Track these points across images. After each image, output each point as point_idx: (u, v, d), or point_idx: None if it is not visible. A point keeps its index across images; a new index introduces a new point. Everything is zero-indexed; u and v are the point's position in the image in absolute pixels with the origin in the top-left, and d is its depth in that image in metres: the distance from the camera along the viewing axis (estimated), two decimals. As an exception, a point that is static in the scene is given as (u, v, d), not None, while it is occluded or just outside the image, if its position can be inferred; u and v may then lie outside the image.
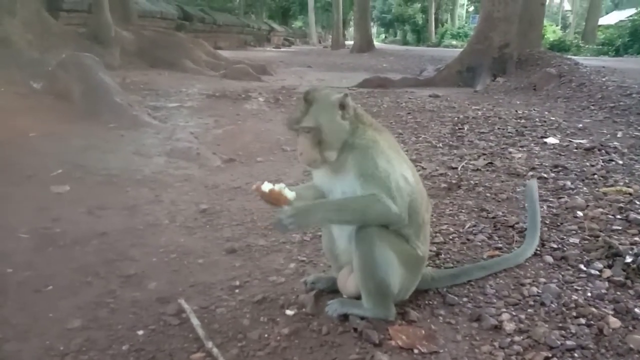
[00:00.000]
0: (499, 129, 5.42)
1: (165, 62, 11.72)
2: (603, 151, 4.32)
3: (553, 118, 5.89)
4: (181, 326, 1.88)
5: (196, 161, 4.33)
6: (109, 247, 2.59)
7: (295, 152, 4.61)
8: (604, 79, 8.19)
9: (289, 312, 1.93)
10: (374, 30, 40.82)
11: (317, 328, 1.82)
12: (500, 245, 2.53)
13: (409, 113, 6.74)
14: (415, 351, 1.69)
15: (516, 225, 2.75)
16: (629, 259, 2.28)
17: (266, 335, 1.79)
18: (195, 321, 1.84)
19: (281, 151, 4.78)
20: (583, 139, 4.83)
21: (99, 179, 3.68)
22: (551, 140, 4.77)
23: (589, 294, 2.04)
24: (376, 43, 30.13)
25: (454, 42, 33.18)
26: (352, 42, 28.07)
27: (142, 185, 3.63)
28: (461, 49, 13.31)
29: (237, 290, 2.14)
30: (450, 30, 38.47)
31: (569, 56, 12.70)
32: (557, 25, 34.02)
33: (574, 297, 2.01)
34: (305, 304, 1.96)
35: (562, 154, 4.33)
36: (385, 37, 44.01)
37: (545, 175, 3.63)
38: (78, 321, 1.93)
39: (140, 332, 1.85)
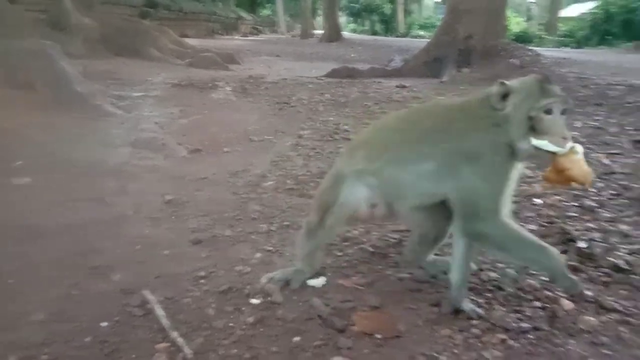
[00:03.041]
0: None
1: (129, 50, 11.44)
2: (561, 141, 4.47)
3: (515, 108, 6.04)
4: (146, 317, 1.87)
5: (161, 152, 4.28)
6: (74, 240, 2.55)
7: (264, 142, 4.64)
8: (564, 71, 8.45)
9: (254, 301, 1.95)
10: (343, 19, 40.75)
11: (282, 316, 1.85)
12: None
13: (376, 103, 6.79)
14: (378, 336, 1.73)
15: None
16: (582, 244, 2.39)
17: (231, 325, 1.81)
18: (159, 312, 1.85)
19: (248, 141, 4.75)
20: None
21: (62, 170, 3.60)
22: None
23: (545, 278, 2.13)
24: (345, 33, 30.14)
25: (422, 33, 33.47)
26: (321, 32, 27.99)
27: (106, 176, 3.57)
28: (428, 40, 13.46)
29: (202, 281, 2.14)
30: (417, 21, 38.79)
31: (532, 47, 13.03)
32: (521, 17, 34.70)
33: (531, 281, 2.10)
34: (271, 293, 1.98)
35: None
36: (355, 27, 44.02)
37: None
38: (41, 314, 1.90)
39: (105, 324, 1.83)
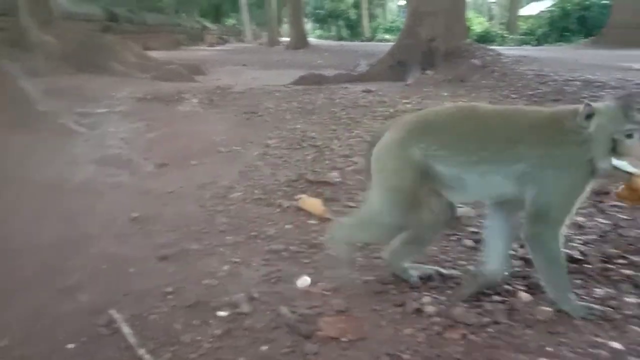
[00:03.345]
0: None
1: (92, 65, 11.27)
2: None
3: (477, 108, 6.19)
4: (113, 336, 1.87)
5: (127, 167, 4.25)
6: (40, 260, 2.52)
7: (231, 152, 4.64)
8: (523, 69, 8.69)
9: (221, 313, 1.97)
10: (309, 26, 41.01)
11: (249, 326, 1.87)
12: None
13: (342, 109, 6.86)
14: (344, 339, 1.77)
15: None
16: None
17: (199, 338, 1.82)
18: (126, 329, 1.85)
19: (216, 152, 4.75)
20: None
21: (25, 190, 3.55)
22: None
23: (504, 273, 2.21)
24: (312, 39, 30.33)
25: (387, 36, 33.91)
26: (287, 39, 28.09)
27: (72, 194, 3.53)
28: (393, 43, 13.67)
29: (170, 296, 2.15)
30: (382, 25, 39.30)
31: (494, 46, 13.36)
32: (483, 17, 35.50)
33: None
34: (239, 304, 2.01)
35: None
36: (321, 33, 44.32)
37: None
38: (5, 340, 1.88)
39: (71, 346, 1.83)
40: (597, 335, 1.76)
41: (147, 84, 10.07)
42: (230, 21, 45.27)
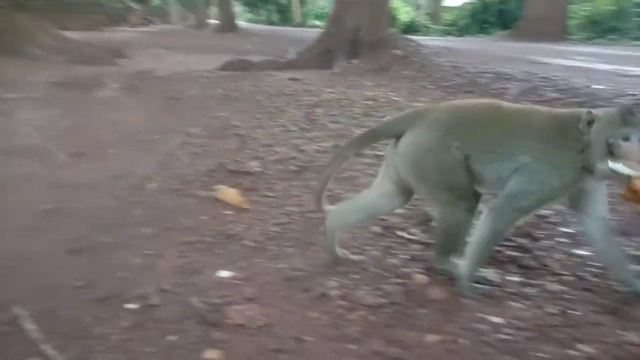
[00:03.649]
0: (348, 110, 5.81)
1: (3, 48, 10.50)
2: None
3: (396, 98, 6.45)
4: (18, 333, 1.85)
5: (40, 158, 4.07)
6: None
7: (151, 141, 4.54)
8: (442, 60, 9.07)
9: (132, 306, 1.99)
10: (238, 9, 40.14)
11: (159, 317, 1.92)
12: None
13: (268, 97, 6.88)
14: (252, 326, 1.86)
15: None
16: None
17: (108, 331, 1.84)
18: (29, 326, 1.83)
19: (134, 141, 4.65)
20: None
21: None
22: (392, 119, 5.25)
23: (405, 257, 2.39)
24: (241, 23, 29.78)
25: (318, 23, 33.94)
26: (215, 22, 27.41)
27: (-24, 188, 3.36)
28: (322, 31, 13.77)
29: (80, 291, 2.14)
30: (313, 11, 39.26)
31: (419, 37, 13.81)
32: (410, 7, 36.38)
33: (392, 261, 2.35)
34: (150, 296, 2.04)
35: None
36: (251, 17, 43.58)
37: (381, 153, 4.01)
38: None
39: (-28, 346, 1.79)
40: (481, 312, 1.96)
41: (63, 67, 9.54)
42: (156, 1, 43.42)
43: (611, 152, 1.84)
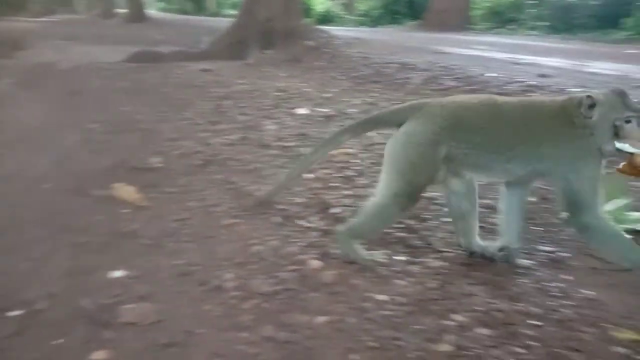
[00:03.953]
0: (258, 102, 5.82)
1: None
2: (340, 118, 5.02)
3: (307, 89, 6.54)
4: None
5: None
6: None
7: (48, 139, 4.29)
8: (352, 51, 9.29)
9: (15, 312, 1.91)
10: (150, -3, 38.50)
11: (45, 322, 1.86)
12: (237, 213, 2.84)
13: (176, 89, 6.72)
14: (144, 323, 1.86)
15: (256, 193, 3.09)
16: (336, 210, 2.81)
17: (-11, 340, 1.77)
18: None
19: (30, 140, 4.39)
20: (327, 107, 5.50)
21: None
22: (301, 110, 5.34)
23: (302, 244, 2.47)
24: (153, 12, 28.64)
25: (233, 12, 33.34)
26: (124, 11, 26.13)
27: None
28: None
29: (-41, 301, 2.02)
30: (228, 0, 38.48)
31: (332, 27, 13.99)
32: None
33: (290, 249, 2.42)
34: (35, 301, 1.97)
35: (308, 123, 4.89)
36: (164, 5, 41.94)
37: (288, 145, 4.10)
38: None
39: None
40: (368, 291, 2.09)
41: (-52, 61, 8.75)
42: (58, -12, 40.60)
43: (616, 134, 2.01)
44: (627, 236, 2.17)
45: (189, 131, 4.65)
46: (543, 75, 6.49)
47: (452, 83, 6.19)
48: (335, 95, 6.23)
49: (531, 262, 2.33)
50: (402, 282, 2.15)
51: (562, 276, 2.22)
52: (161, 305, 1.97)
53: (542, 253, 2.42)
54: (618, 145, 2.01)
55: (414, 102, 2.36)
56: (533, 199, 2.88)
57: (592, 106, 2.01)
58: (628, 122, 2.00)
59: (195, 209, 2.89)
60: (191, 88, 6.82)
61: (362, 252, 2.29)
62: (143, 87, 6.82)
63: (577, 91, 5.59)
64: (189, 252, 2.40)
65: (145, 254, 2.40)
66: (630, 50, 10.95)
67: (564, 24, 16.52)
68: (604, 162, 2.09)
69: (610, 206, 2.65)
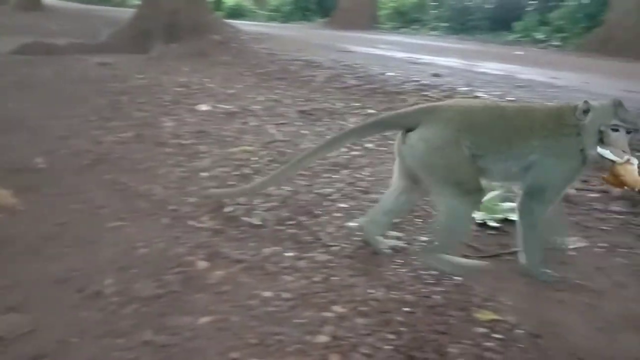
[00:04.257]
0: (157, 97, 5.64)
1: None
2: (242, 114, 5.00)
3: (210, 85, 6.44)
4: None
5: None
6: None
7: None
8: (259, 46, 9.27)
9: None
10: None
11: None
12: (124, 215, 2.74)
13: (69, 84, 6.33)
14: (10, 336, 1.75)
15: (146, 193, 3.01)
16: (228, 209, 2.81)
17: None
18: None
19: None
20: (230, 104, 5.46)
21: None
22: (202, 107, 5.25)
23: (191, 245, 2.44)
24: (51, 0, 26.60)
25: (138, 2, 31.86)
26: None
27: None
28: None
29: None
30: (133, -11, 36.71)
31: (243, 22, 13.83)
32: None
33: (178, 250, 2.38)
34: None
35: (209, 119, 4.82)
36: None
37: (185, 142, 4.02)
38: None
39: None
40: (254, 289, 2.12)
41: None
42: None
43: (601, 140, 2.08)
44: (540, 242, 2.33)
45: (80, 129, 4.40)
46: (436, 75, 6.87)
47: (354, 82, 6.38)
48: (240, 92, 6.19)
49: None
50: (289, 278, 2.20)
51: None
52: (33, 315, 1.87)
53: (422, 243, 2.58)
54: (600, 150, 2.08)
55: (423, 106, 2.39)
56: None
57: (586, 111, 2.13)
58: (615, 130, 2.08)
59: (79, 212, 2.76)
60: (86, 83, 6.46)
61: (457, 260, 2.31)
62: (32, 82, 6.35)
63: (465, 90, 6.06)
64: (68, 258, 2.29)
65: (19, 261, 2.25)
66: (518, 52, 11.90)
67: (462, 25, 17.58)
68: (584, 167, 2.21)
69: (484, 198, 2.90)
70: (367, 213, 2.60)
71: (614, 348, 1.85)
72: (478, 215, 2.75)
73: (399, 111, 2.43)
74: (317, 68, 7.28)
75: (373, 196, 3.11)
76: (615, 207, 3.02)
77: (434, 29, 18.44)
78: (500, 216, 2.83)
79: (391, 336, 1.83)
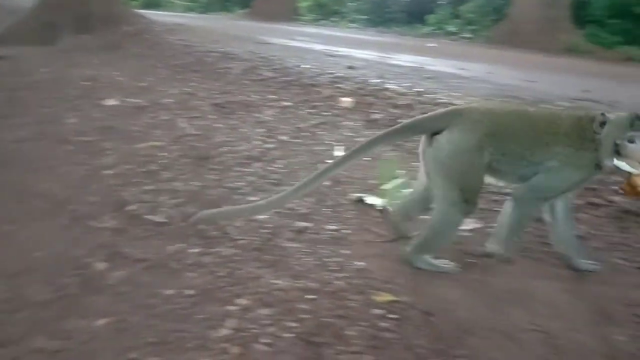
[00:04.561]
0: (62, 92, 5.34)
1: None
2: (153, 109, 4.85)
3: (120, 78, 6.18)
4: None
5: None
6: None
7: None
8: (174, 38, 9.00)
9: None
10: None
11: None
12: (20, 217, 2.60)
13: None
14: None
15: (45, 193, 2.86)
16: (132, 207, 2.74)
17: None
18: None
19: None
20: (140, 98, 5.26)
21: None
22: (110, 101, 5.03)
23: (91, 246, 2.36)
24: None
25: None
26: None
27: None
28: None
29: None
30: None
31: (159, 12, 13.34)
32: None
33: (77, 252, 2.30)
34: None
35: (116, 115, 4.63)
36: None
37: (89, 139, 3.85)
38: None
39: None
40: (156, 287, 2.08)
41: None
42: None
43: (617, 152, 2.12)
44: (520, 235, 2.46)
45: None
46: (351, 67, 7.02)
47: (270, 74, 6.37)
48: (152, 85, 5.98)
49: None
50: (193, 274, 2.19)
51: (342, 251, 2.45)
52: None
53: (328, 232, 2.65)
54: (617, 162, 2.12)
55: (451, 109, 2.38)
56: (327, 182, 3.12)
57: (603, 123, 2.16)
58: (631, 142, 2.10)
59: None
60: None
61: (437, 263, 2.33)
62: None
63: (376, 82, 6.24)
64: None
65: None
66: (431, 44, 12.39)
67: (380, 18, 18.03)
68: (596, 176, 2.31)
69: (388, 185, 3.02)
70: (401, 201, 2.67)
71: (497, 320, 2.01)
72: (380, 202, 2.87)
73: (427, 115, 2.44)
74: (233, 60, 7.19)
75: (285, 188, 3.14)
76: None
77: (353, 21, 18.76)
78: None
79: (293, 324, 1.88)
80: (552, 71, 9.08)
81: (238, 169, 3.42)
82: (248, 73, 6.48)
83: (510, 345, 1.87)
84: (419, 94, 5.63)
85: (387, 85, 5.88)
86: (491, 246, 2.43)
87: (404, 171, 3.24)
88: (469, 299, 2.14)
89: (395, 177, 3.12)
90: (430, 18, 16.73)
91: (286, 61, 7.19)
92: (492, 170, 2.27)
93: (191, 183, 3.12)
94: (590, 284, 2.30)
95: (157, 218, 2.64)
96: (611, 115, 2.18)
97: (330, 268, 2.29)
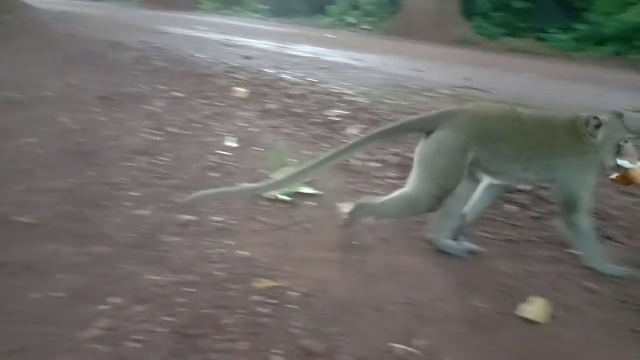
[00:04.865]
0: None
1: None
2: (30, 103, 4.51)
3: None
4: None
5: None
6: None
7: None
8: (62, 27, 8.40)
9: None
10: None
11: None
12: None
13: None
14: None
15: None
16: (-2, 209, 2.54)
17: None
18: None
19: None
20: (17, 92, 4.84)
21: None
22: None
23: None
24: None
25: None
26: None
27: None
28: None
29: None
30: None
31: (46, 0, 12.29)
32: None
33: None
34: None
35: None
36: None
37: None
38: None
39: None
40: (22, 291, 1.96)
41: None
42: None
43: (617, 152, 2.30)
44: (599, 242, 2.48)
45: None
46: (247, 57, 6.97)
47: (162, 64, 6.16)
48: (32, 78, 5.53)
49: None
50: (63, 276, 2.08)
51: (226, 241, 2.45)
52: None
53: (214, 223, 2.63)
54: (619, 162, 2.32)
55: (444, 110, 2.41)
56: (215, 174, 3.08)
57: (597, 126, 2.28)
58: (626, 141, 2.31)
59: None
60: None
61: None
62: None
63: (271, 72, 6.25)
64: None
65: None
66: (330, 35, 12.61)
67: (282, 8, 18.00)
68: (602, 173, 2.41)
69: (280, 174, 3.06)
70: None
71: (370, 296, 2.12)
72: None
73: (420, 115, 2.49)
74: (124, 50, 6.86)
75: (171, 182, 3.08)
76: (390, 173, 3.42)
77: (255, 11, 18.58)
78: (291, 191, 3.01)
79: (169, 318, 1.85)
80: (441, 61, 9.62)
81: (121, 163, 3.29)
82: (139, 63, 6.22)
83: (381, 318, 1.98)
84: (313, 84, 5.72)
85: (282, 75, 5.92)
86: (599, 269, 2.42)
87: (295, 160, 3.28)
88: (346, 278, 2.24)
89: (286, 166, 3.16)
90: (331, 9, 16.98)
91: (181, 51, 6.99)
92: (485, 170, 2.36)
93: (69, 180, 2.95)
94: (459, 258, 2.49)
95: (26, 219, 2.47)
96: (604, 117, 2.31)
97: (211, 259, 2.29)
